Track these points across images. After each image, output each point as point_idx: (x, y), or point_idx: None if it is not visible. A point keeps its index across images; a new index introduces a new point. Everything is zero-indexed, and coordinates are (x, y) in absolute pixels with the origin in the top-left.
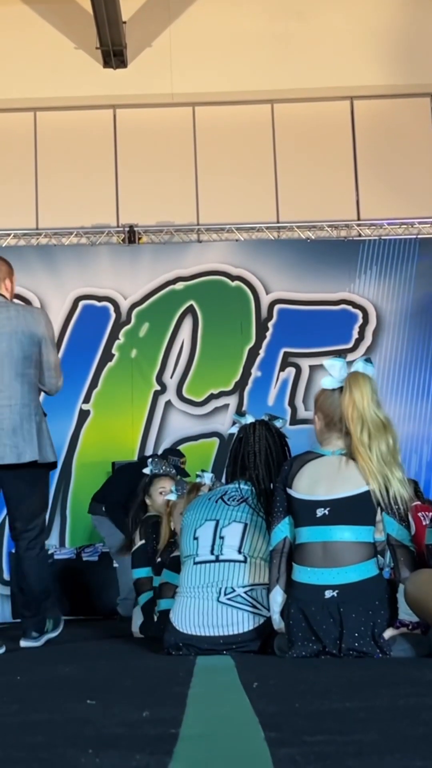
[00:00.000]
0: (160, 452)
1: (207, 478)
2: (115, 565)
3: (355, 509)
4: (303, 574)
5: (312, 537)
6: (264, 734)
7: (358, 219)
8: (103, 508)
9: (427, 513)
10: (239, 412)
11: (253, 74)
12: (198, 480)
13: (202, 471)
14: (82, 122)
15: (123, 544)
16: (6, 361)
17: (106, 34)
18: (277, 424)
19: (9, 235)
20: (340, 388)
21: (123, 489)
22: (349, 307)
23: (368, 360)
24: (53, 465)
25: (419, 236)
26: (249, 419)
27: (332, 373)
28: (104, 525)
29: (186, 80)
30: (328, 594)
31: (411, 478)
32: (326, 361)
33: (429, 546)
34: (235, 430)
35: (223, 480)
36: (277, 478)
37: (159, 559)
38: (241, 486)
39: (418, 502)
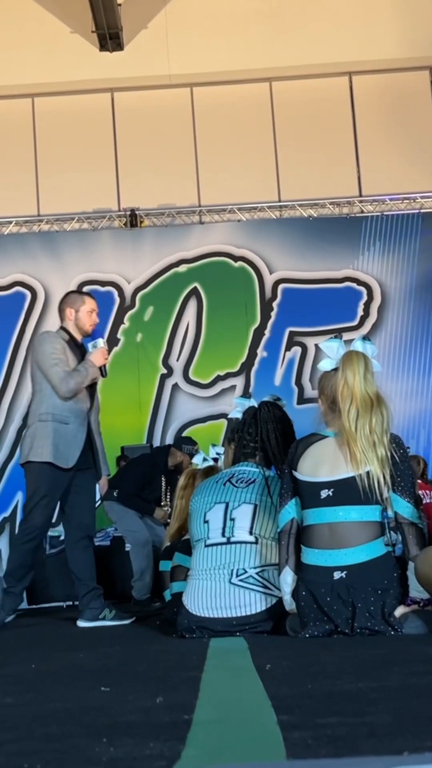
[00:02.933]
0: (170, 438)
1: (218, 450)
2: (128, 548)
3: (359, 489)
4: (311, 556)
5: (318, 518)
6: (277, 718)
7: (360, 195)
8: (115, 494)
9: (427, 492)
10: (244, 395)
11: (250, 52)
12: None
13: (213, 445)
14: (81, 107)
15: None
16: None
17: (101, 17)
18: (280, 404)
19: (11, 222)
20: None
21: (137, 479)
22: (354, 284)
23: (366, 338)
24: (37, 464)
25: (422, 211)
26: (253, 402)
27: (329, 354)
28: (115, 509)
29: (183, 61)
30: (337, 575)
31: (418, 455)
32: (323, 344)
33: None
34: (237, 414)
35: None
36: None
37: (168, 544)
38: (246, 468)
39: (419, 481)
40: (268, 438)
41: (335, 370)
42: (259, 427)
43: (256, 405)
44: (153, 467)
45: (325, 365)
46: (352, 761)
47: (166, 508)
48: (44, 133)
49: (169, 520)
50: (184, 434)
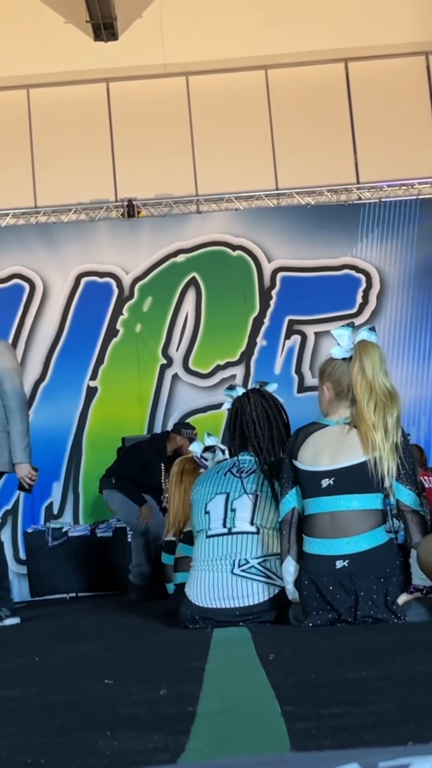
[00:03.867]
0: (170, 427)
1: (212, 440)
2: (130, 532)
3: (361, 477)
4: (313, 546)
5: (319, 508)
6: (280, 708)
7: (358, 182)
8: (113, 481)
9: (427, 477)
10: (229, 387)
11: (245, 40)
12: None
13: (208, 434)
14: (76, 97)
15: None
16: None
17: (95, 7)
18: (269, 389)
19: (8, 214)
20: (348, 358)
21: (135, 464)
22: (352, 272)
23: (372, 329)
24: None
25: (420, 197)
26: (240, 391)
27: (341, 342)
28: (115, 498)
29: (178, 50)
30: (339, 564)
31: (415, 444)
32: (335, 331)
33: None
34: (228, 406)
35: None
36: (284, 450)
37: (172, 538)
38: (246, 458)
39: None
40: (248, 428)
41: (345, 359)
42: (240, 418)
43: (243, 392)
44: (153, 453)
45: (337, 353)
46: (356, 752)
47: (158, 504)
48: (40, 124)
49: (149, 522)
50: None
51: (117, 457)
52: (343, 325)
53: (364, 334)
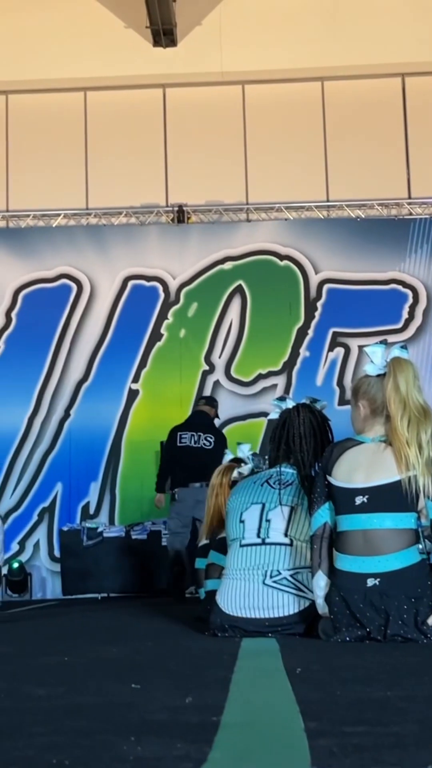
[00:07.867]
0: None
1: (245, 448)
2: (165, 534)
3: (395, 496)
4: (345, 562)
5: (352, 525)
6: (304, 724)
7: (409, 197)
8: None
9: None
10: (280, 398)
11: (302, 51)
12: (239, 455)
13: (239, 444)
14: (132, 102)
15: None
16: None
17: (155, 13)
18: (318, 406)
19: (59, 215)
20: (382, 375)
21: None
22: (399, 287)
23: (404, 347)
24: None
25: None
26: (290, 403)
27: (374, 359)
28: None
29: (235, 58)
30: (371, 582)
31: None
32: (368, 348)
33: None
34: (275, 416)
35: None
36: (319, 464)
37: (206, 541)
38: (286, 469)
39: None
40: (293, 442)
41: (379, 376)
42: (287, 430)
43: (293, 405)
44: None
45: (371, 369)
46: None
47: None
48: (95, 127)
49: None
50: (224, 431)
51: (206, 458)
52: (376, 343)
53: (396, 352)
